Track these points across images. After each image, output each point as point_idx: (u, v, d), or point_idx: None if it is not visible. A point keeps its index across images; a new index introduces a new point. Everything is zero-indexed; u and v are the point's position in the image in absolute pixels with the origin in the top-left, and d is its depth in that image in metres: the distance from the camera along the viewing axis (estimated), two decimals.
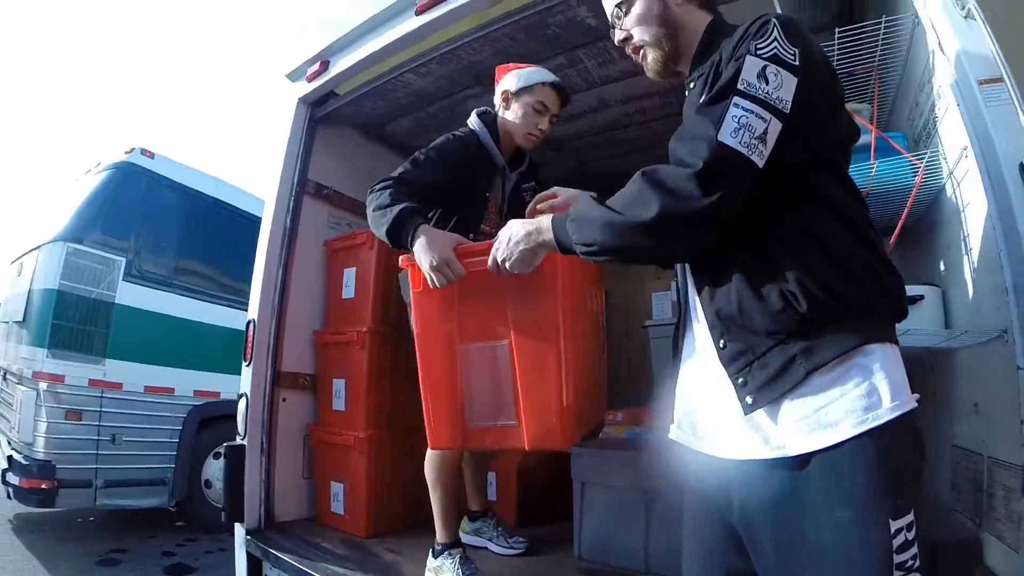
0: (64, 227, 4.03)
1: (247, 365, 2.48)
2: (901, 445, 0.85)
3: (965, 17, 1.34)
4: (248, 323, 2.52)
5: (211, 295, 4.70)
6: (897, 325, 0.97)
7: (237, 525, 2.34)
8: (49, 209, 4.57)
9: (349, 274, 2.73)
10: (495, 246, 1.32)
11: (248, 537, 2.28)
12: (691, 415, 1.13)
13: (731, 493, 0.99)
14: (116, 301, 4.04)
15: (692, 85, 1.12)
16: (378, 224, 1.64)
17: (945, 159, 1.54)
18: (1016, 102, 1.28)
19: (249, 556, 2.28)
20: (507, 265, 1.30)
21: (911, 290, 1.45)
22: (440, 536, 1.99)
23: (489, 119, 2.02)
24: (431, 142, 1.93)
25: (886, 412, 0.84)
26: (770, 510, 0.91)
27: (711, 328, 1.00)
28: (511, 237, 1.27)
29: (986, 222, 1.37)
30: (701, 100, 0.92)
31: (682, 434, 1.17)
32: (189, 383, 4.39)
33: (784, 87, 0.86)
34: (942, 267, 1.64)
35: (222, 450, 4.45)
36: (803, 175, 0.92)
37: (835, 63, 1.67)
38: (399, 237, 1.59)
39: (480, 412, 1.58)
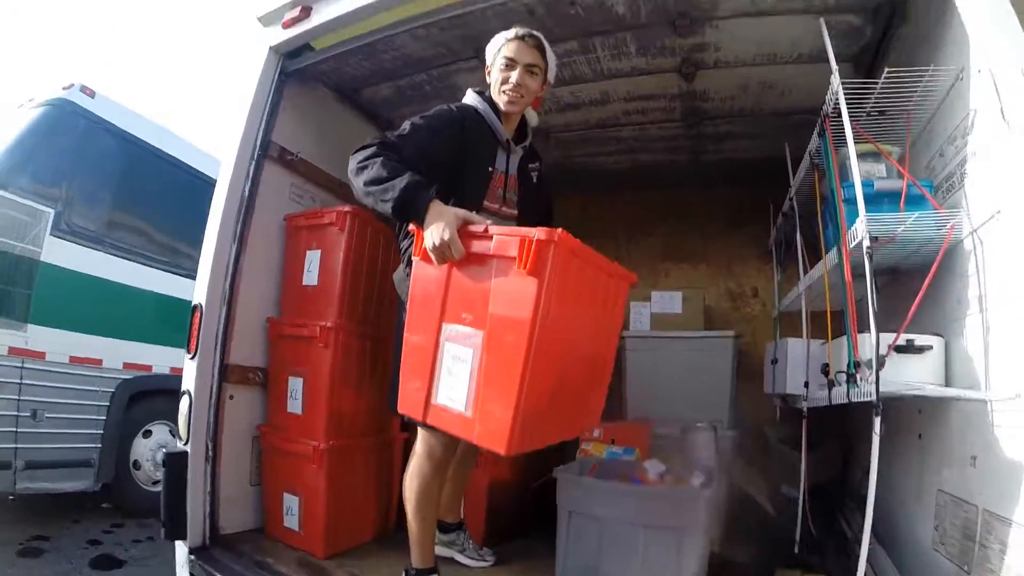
0: None
1: (191, 358, 2.14)
2: None
3: None
4: (194, 309, 2.17)
5: (147, 257, 4.23)
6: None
7: (178, 543, 2.04)
8: None
9: (312, 257, 2.39)
10: None
11: (192, 557, 1.97)
12: None
13: None
14: (42, 259, 3.53)
15: None
16: (379, 198, 1.53)
17: (969, 216, 1.57)
18: None
19: None
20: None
21: (921, 339, 1.62)
22: (416, 561, 1.91)
23: (487, 96, 1.94)
24: (408, 115, 1.79)
25: None
26: None
27: None
28: None
29: (1014, 284, 1.38)
30: None
31: None
32: (119, 354, 3.95)
33: None
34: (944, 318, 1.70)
35: (152, 428, 4.17)
36: None
37: (874, 100, 1.82)
38: (407, 213, 1.52)
39: (445, 393, 1.48)
